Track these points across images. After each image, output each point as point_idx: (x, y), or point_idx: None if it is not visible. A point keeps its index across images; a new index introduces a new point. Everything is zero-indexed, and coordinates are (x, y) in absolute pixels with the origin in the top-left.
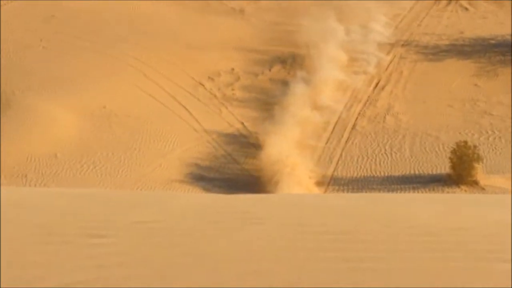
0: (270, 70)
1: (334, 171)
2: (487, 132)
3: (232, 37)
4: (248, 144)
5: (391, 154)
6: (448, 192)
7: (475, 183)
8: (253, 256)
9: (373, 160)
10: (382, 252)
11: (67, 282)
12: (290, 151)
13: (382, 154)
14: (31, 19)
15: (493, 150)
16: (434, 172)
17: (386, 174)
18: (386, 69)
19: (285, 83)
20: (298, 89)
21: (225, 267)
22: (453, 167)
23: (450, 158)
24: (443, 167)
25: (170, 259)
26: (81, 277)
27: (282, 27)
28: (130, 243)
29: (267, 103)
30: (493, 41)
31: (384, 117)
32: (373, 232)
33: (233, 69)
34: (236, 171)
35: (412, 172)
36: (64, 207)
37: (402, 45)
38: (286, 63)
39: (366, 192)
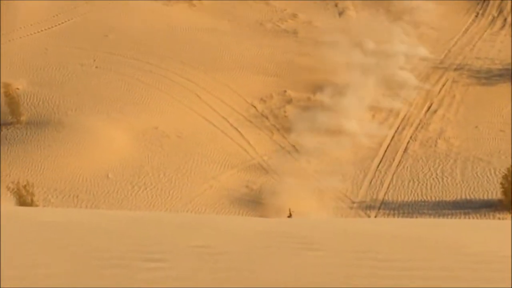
0: (322, 92)
1: (384, 195)
2: None
3: (284, 58)
4: (299, 167)
5: (442, 179)
6: (499, 218)
7: None
8: (309, 282)
9: (424, 184)
10: (435, 279)
11: None
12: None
13: (433, 178)
14: (85, 39)
15: None
16: (486, 198)
17: (437, 199)
18: (439, 92)
19: (335, 106)
20: (349, 112)
21: None
22: (504, 192)
23: (501, 183)
24: (495, 193)
25: (227, 284)
26: None
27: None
28: (187, 268)
29: (318, 126)
30: None
31: (436, 141)
32: (426, 259)
33: (285, 91)
34: None
35: (463, 197)
36: (121, 230)
37: (455, 69)
38: (338, 86)
39: (416, 217)
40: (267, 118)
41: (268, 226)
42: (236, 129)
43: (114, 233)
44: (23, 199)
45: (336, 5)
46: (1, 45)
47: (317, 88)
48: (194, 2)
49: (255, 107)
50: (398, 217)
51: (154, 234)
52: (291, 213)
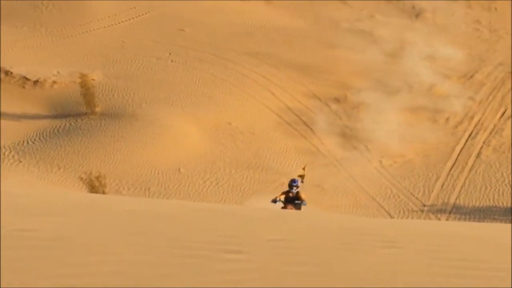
0: (397, 94)
1: (456, 199)
2: None
3: (359, 59)
4: (371, 167)
5: None
6: None
7: None
8: (385, 278)
9: (497, 190)
10: None
11: None
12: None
13: (505, 184)
14: (161, 32)
15: None
16: None
17: (509, 205)
18: None
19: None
20: (424, 115)
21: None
22: None
23: None
24: None
25: (303, 277)
26: None
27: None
28: (264, 260)
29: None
30: None
31: (510, 147)
32: (506, 261)
33: (360, 91)
34: (355, 193)
35: None
36: (200, 221)
37: None
38: (412, 88)
39: (488, 222)
40: (340, 118)
41: (347, 223)
42: (309, 127)
43: (193, 224)
44: (95, 190)
45: (413, 7)
46: (78, 36)
47: (394, 89)
48: None
49: (329, 106)
50: (469, 221)
51: (232, 227)
52: (305, 169)
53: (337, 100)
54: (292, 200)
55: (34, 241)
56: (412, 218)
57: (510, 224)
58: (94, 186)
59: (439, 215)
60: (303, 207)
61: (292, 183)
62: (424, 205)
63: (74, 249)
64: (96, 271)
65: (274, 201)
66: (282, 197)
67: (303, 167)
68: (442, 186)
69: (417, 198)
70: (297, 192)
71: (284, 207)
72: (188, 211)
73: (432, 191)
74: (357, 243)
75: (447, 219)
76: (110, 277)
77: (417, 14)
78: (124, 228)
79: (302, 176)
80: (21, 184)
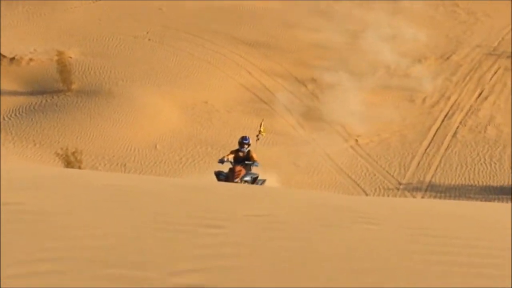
0: (374, 74)
1: (432, 177)
2: None
3: (340, 40)
4: (347, 146)
5: (490, 164)
6: None
7: None
8: (365, 255)
9: (472, 169)
10: (496, 258)
11: (180, 270)
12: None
13: (481, 163)
14: (140, 11)
15: None
16: None
17: (485, 184)
18: (490, 79)
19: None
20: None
21: (337, 264)
22: None
23: None
24: None
25: (282, 253)
26: (196, 265)
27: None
28: (244, 235)
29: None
30: None
31: (486, 127)
32: (486, 238)
33: (336, 68)
34: (331, 171)
35: (511, 183)
36: (179, 197)
37: (508, 57)
38: (390, 68)
39: (463, 200)
40: (317, 97)
41: (326, 200)
42: (285, 106)
43: (172, 199)
44: (71, 166)
45: None
46: (55, 14)
47: (375, 71)
48: None
49: (305, 86)
50: (445, 200)
51: (213, 203)
52: (262, 125)
53: (313, 80)
54: (242, 160)
55: (18, 215)
56: (388, 196)
57: (487, 202)
58: (70, 161)
59: (414, 193)
60: (254, 168)
61: (242, 141)
62: (400, 183)
63: (58, 223)
64: (80, 245)
65: (221, 161)
66: (231, 157)
67: (260, 122)
68: (418, 164)
69: (392, 176)
70: (248, 151)
71: (232, 169)
72: (166, 186)
73: (408, 169)
74: (337, 219)
75: (422, 197)
76: (94, 250)
77: None
78: (105, 203)
79: (259, 133)
80: None
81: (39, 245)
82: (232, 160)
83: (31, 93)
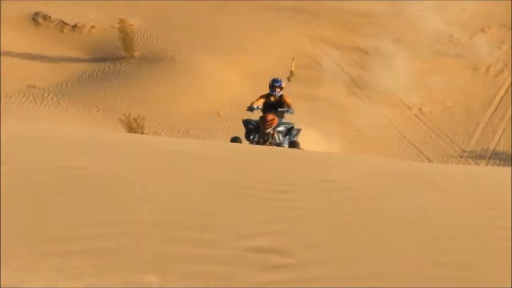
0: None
1: (496, 145)
2: None
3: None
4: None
5: None
6: None
7: None
8: (436, 221)
9: None
10: None
11: (248, 233)
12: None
13: None
14: None
15: None
16: None
17: None
18: None
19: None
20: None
21: (405, 230)
22: None
23: None
24: None
25: (350, 218)
26: (263, 228)
27: None
28: (313, 200)
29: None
30: None
31: None
32: None
33: (399, 39)
34: (395, 139)
35: None
36: (247, 162)
37: None
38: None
39: None
40: (381, 67)
41: (394, 166)
42: (348, 74)
43: (240, 165)
44: (134, 131)
45: None
46: None
47: (437, 39)
48: None
49: (368, 54)
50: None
51: (282, 168)
52: (293, 61)
53: (376, 49)
54: (273, 106)
55: (83, 178)
56: (452, 163)
57: None
58: (133, 127)
59: (478, 161)
60: (288, 115)
61: (273, 83)
62: (464, 151)
63: (124, 187)
64: (147, 208)
65: (251, 108)
66: (261, 102)
67: (292, 58)
68: (482, 133)
69: (456, 144)
70: (281, 96)
71: (263, 117)
72: (234, 152)
73: (472, 137)
74: (406, 185)
75: (486, 165)
76: (162, 213)
77: None
78: (171, 169)
79: (290, 73)
80: (62, 125)
81: (105, 208)
82: (262, 107)
83: (94, 60)
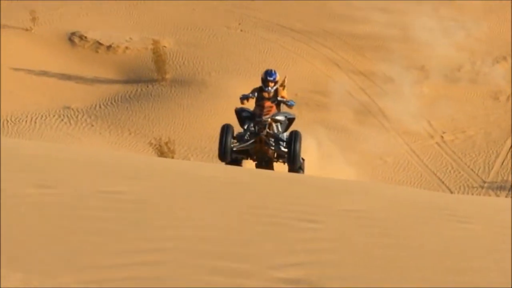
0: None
1: None
2: None
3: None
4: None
5: None
6: None
7: None
8: (459, 253)
9: None
10: None
11: (280, 264)
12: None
13: None
14: (232, 3)
15: None
16: None
17: None
18: None
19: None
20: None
21: (431, 262)
22: None
23: None
24: None
25: (378, 249)
26: (295, 259)
27: None
28: (341, 231)
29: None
30: None
31: None
32: None
33: (423, 66)
34: (417, 168)
35: None
36: (275, 189)
37: None
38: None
39: None
40: (403, 93)
41: (417, 196)
42: (370, 97)
43: (268, 191)
44: (164, 156)
45: None
46: (151, 2)
47: (458, 68)
48: None
49: (393, 80)
50: None
51: (308, 196)
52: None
53: (393, 76)
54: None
55: (118, 204)
56: (472, 194)
57: None
58: (164, 151)
59: (498, 192)
60: (285, 108)
61: (266, 77)
62: (484, 182)
63: (158, 213)
64: (181, 235)
65: (245, 97)
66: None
67: (284, 77)
68: (502, 163)
69: (477, 174)
70: (276, 91)
71: (261, 104)
72: (262, 178)
73: (492, 168)
74: (429, 217)
75: (506, 197)
76: (195, 241)
77: None
78: (203, 194)
79: (283, 87)
80: (99, 148)
81: (140, 235)
82: (256, 96)
83: (127, 82)
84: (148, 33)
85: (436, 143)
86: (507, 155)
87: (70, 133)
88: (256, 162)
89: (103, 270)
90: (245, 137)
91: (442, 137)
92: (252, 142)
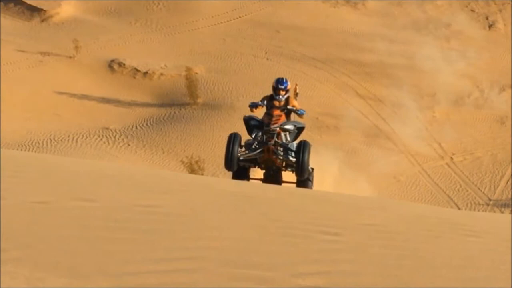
0: (468, 98)
1: None
2: None
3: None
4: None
5: None
6: None
7: None
8: (469, 264)
9: None
10: None
11: (301, 272)
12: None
13: None
14: (260, 33)
15: None
16: None
17: None
18: None
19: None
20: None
21: (442, 272)
22: None
23: None
24: None
25: (393, 260)
26: (315, 268)
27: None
28: (359, 243)
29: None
30: None
31: None
32: None
33: (435, 93)
34: (428, 186)
35: None
36: (298, 204)
37: None
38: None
39: None
40: (417, 117)
41: (429, 212)
42: (388, 124)
43: (291, 206)
44: (194, 173)
45: (486, 18)
46: (184, 33)
47: (467, 95)
48: (358, 5)
49: (407, 106)
50: None
51: (328, 211)
52: (297, 88)
53: (415, 101)
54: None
55: (152, 216)
56: (479, 210)
57: None
58: (194, 169)
59: (503, 209)
60: (295, 117)
61: (278, 85)
62: (490, 200)
63: (188, 225)
64: (209, 246)
65: (254, 105)
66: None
67: (295, 85)
68: (507, 183)
69: (483, 192)
70: (287, 100)
71: (269, 112)
72: (285, 194)
73: (497, 187)
74: (440, 231)
75: (510, 213)
76: (222, 251)
77: (490, 25)
78: (229, 208)
79: (295, 95)
80: (134, 165)
81: (171, 245)
82: (267, 104)
83: (161, 105)
84: (182, 60)
85: (446, 163)
86: (511, 175)
87: (108, 152)
88: (264, 171)
89: (137, 276)
90: (253, 146)
91: (451, 158)
92: (260, 151)
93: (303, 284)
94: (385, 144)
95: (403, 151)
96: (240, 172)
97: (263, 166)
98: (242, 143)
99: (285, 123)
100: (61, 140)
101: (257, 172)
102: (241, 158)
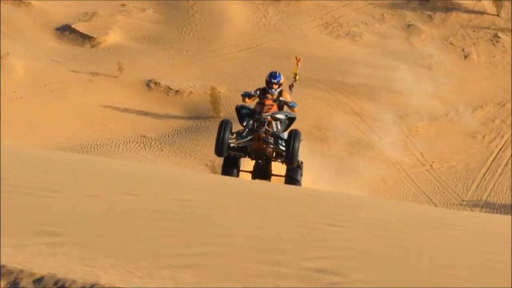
0: (447, 115)
1: (487, 197)
2: None
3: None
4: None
5: None
6: None
7: None
8: (448, 252)
9: None
10: None
11: (310, 256)
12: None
13: None
14: (273, 61)
15: None
16: None
17: None
18: None
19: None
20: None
21: (428, 259)
22: None
23: None
24: None
25: (385, 247)
26: (322, 253)
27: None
28: (357, 233)
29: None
30: None
31: None
32: None
33: (418, 111)
34: (411, 188)
35: None
36: (307, 202)
37: None
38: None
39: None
40: (402, 131)
41: (417, 209)
42: (377, 134)
43: (302, 204)
44: (217, 173)
45: (463, 50)
46: (210, 59)
47: (438, 114)
48: (356, 38)
49: (397, 125)
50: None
51: (335, 207)
52: (298, 63)
53: (401, 117)
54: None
55: (186, 209)
56: (453, 209)
57: None
58: (216, 171)
59: (474, 208)
60: (286, 108)
61: (271, 79)
62: (463, 200)
63: (216, 217)
64: (234, 234)
65: (248, 94)
66: (254, 99)
67: (297, 59)
68: (477, 186)
69: (457, 194)
70: (280, 93)
71: (261, 102)
72: (297, 194)
73: (469, 190)
74: (425, 224)
75: (479, 211)
76: (244, 238)
77: (466, 56)
78: (251, 204)
79: (294, 76)
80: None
81: (202, 232)
82: (259, 95)
83: (190, 118)
84: (207, 81)
85: (427, 170)
86: (481, 180)
87: (145, 156)
88: (254, 160)
89: (173, 258)
90: (244, 133)
91: (431, 165)
92: (250, 139)
93: (311, 266)
94: (372, 153)
95: (390, 159)
96: (231, 163)
97: (253, 156)
98: (233, 132)
99: (276, 112)
100: (105, 145)
101: (247, 165)
102: (232, 145)
